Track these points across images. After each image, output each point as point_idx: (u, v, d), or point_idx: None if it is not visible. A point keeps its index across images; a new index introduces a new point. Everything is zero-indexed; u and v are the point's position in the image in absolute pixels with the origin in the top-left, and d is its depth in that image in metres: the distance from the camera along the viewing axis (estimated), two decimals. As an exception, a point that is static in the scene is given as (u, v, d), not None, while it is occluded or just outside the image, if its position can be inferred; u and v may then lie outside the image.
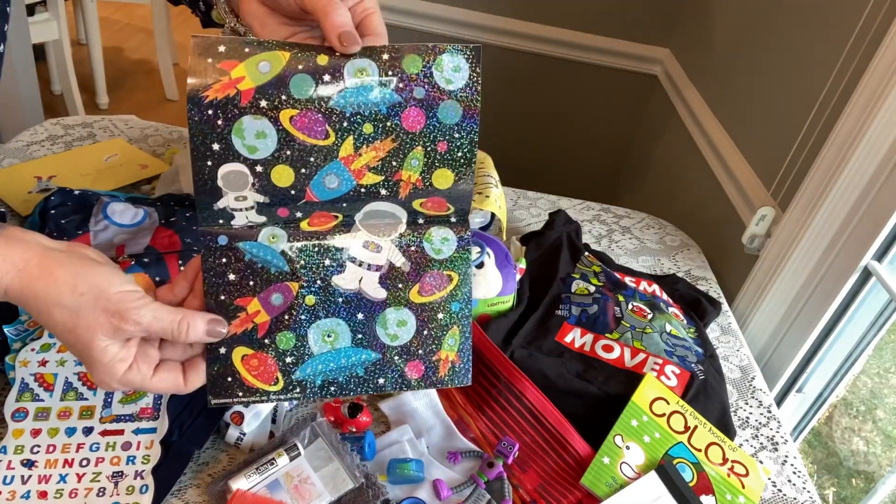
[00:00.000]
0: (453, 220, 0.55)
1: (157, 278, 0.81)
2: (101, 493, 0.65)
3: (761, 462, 0.85)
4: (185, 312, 0.49)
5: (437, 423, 0.78)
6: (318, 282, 0.53)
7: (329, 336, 0.53)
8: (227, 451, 0.73)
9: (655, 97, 1.85)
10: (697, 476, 0.76)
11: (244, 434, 0.72)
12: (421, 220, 0.54)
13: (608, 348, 0.88)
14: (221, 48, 0.49)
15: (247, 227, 0.52)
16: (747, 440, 0.88)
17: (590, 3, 1.76)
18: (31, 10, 2.33)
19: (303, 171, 0.52)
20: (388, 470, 0.71)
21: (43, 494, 0.65)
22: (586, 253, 1.08)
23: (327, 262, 0.53)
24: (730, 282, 1.21)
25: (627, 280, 1.03)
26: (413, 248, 0.54)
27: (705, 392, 0.85)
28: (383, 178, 0.53)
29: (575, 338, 0.90)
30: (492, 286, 0.87)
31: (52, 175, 1.08)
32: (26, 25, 1.97)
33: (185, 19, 3.71)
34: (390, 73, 0.51)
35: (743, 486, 0.77)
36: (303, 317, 0.53)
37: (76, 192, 0.93)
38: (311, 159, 0.51)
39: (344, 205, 0.53)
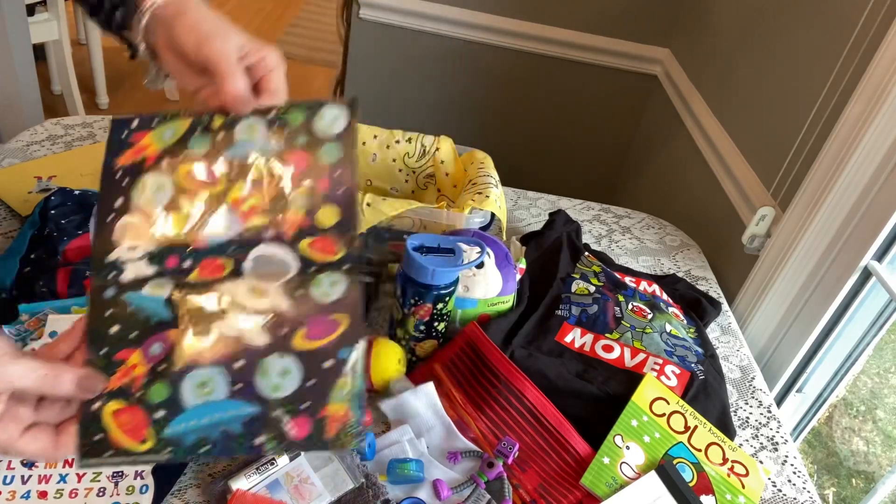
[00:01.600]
0: (344, 265, 0.54)
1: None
2: (101, 493, 0.65)
3: (761, 462, 0.85)
4: (56, 367, 0.46)
5: (437, 423, 0.78)
6: (200, 326, 0.51)
7: (204, 386, 0.49)
8: (227, 451, 0.73)
9: (655, 97, 1.85)
10: (697, 476, 0.76)
11: (244, 434, 0.72)
12: (311, 269, 0.53)
13: (608, 348, 0.88)
14: (134, 123, 0.56)
15: (136, 279, 0.52)
16: (747, 440, 0.88)
17: (590, 3, 1.76)
18: (31, 10, 2.33)
19: (193, 216, 0.54)
20: (388, 470, 0.72)
21: (43, 494, 0.65)
22: (586, 253, 1.08)
23: (211, 307, 0.52)
24: (730, 282, 1.21)
25: (627, 280, 1.03)
26: (300, 293, 0.52)
27: (705, 392, 0.85)
28: (270, 218, 0.55)
29: (575, 338, 0.90)
30: (492, 286, 0.87)
31: (52, 175, 1.08)
32: (26, 25, 1.97)
33: (185, 19, 3.71)
34: (277, 125, 0.56)
35: (743, 486, 0.77)
36: (178, 366, 0.50)
37: (76, 192, 0.93)
38: (203, 205, 0.54)
39: (232, 248, 0.54)
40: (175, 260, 0.53)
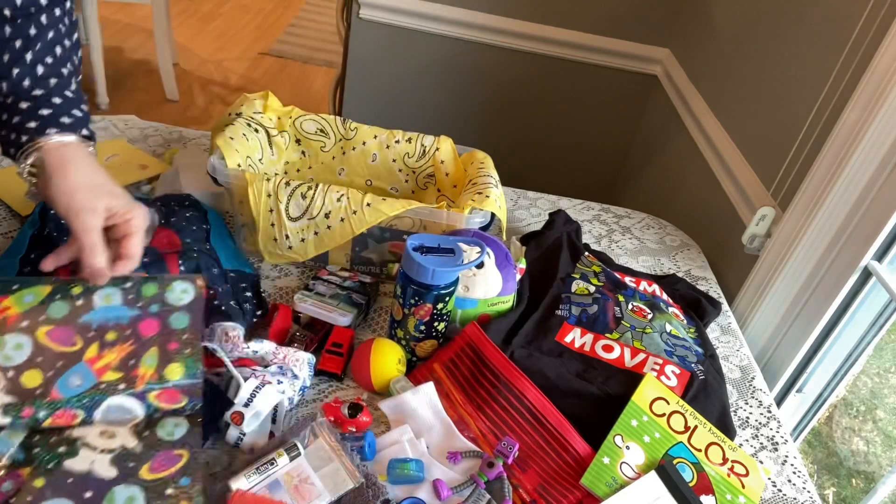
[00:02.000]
0: (186, 411, 0.62)
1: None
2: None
3: (761, 462, 0.85)
4: None
5: (437, 423, 0.78)
6: (51, 465, 0.57)
7: None
8: (227, 451, 0.73)
9: (655, 97, 1.85)
10: (697, 476, 0.76)
11: (244, 434, 0.72)
12: (157, 416, 0.62)
13: (608, 348, 0.88)
14: None
15: None
16: (747, 440, 0.88)
17: (590, 3, 1.76)
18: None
19: (50, 373, 0.60)
20: (388, 470, 0.71)
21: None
22: (586, 253, 1.08)
23: (63, 448, 0.58)
24: (730, 282, 1.21)
25: (627, 280, 1.03)
26: (146, 434, 0.61)
27: (705, 392, 0.85)
28: (123, 374, 0.62)
29: (575, 338, 0.90)
30: (492, 286, 0.87)
31: (53, 175, 1.08)
32: (26, 25, 1.97)
33: (185, 19, 3.71)
34: (132, 296, 0.64)
35: (743, 486, 0.77)
36: (28, 499, 0.55)
37: (76, 192, 0.93)
38: (59, 364, 0.61)
39: (85, 400, 0.61)
40: (30, 411, 0.59)
